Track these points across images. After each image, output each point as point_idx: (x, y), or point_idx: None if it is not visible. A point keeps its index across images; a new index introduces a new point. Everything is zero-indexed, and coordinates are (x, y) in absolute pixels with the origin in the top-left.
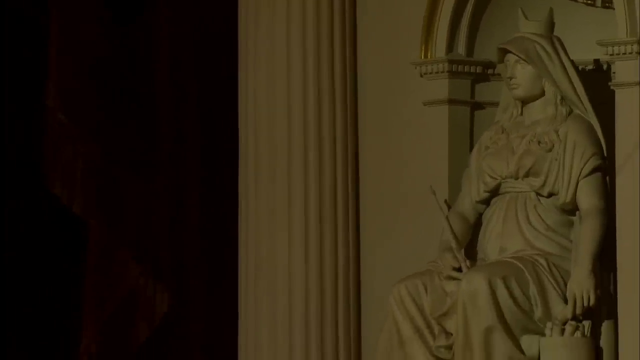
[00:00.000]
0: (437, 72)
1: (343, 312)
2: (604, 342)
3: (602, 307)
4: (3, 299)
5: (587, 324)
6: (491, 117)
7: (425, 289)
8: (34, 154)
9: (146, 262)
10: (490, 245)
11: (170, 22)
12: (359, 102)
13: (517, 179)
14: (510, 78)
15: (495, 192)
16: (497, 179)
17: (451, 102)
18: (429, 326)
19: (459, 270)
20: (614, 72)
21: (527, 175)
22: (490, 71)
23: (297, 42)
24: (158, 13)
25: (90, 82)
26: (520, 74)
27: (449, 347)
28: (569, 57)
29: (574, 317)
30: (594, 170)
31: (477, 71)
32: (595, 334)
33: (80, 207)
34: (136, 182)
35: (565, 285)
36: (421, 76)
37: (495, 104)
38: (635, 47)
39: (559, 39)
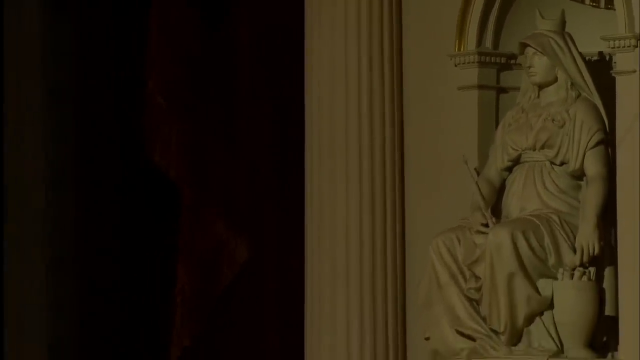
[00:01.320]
0: (468, 62)
1: (391, 263)
2: (607, 284)
3: (605, 256)
4: (116, 249)
5: (592, 270)
6: (513, 99)
7: (459, 241)
8: (138, 131)
9: (229, 218)
10: (512, 205)
11: (249, 21)
12: (404, 87)
13: (534, 150)
14: (529, 67)
15: (516, 161)
16: (518, 150)
17: (480, 87)
18: (461, 272)
19: (487, 226)
20: (615, 62)
21: (542, 147)
22: (512, 61)
23: (353, 35)
24: (239, 14)
25: (183, 71)
26: (538, 64)
27: (478, 289)
28: (577, 50)
29: (582, 264)
30: (598, 143)
31: (502, 61)
32: (599, 278)
33: (175, 173)
34: (219, 151)
35: (574, 237)
36: (455, 66)
37: (517, 89)
38: (632, 41)
39: (569, 35)
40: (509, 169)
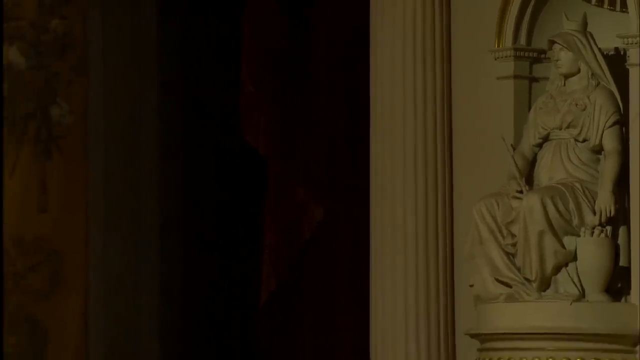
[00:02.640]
0: (506, 57)
1: (441, 225)
2: (621, 240)
3: (619, 217)
4: (216, 211)
5: (608, 228)
6: (543, 87)
7: (498, 205)
8: (234, 115)
9: (308, 185)
10: (542, 175)
11: (325, 19)
12: (452, 78)
13: (561, 129)
14: (557, 60)
15: (545, 139)
16: (547, 129)
17: (515, 77)
18: (500, 230)
19: (521, 192)
20: (628, 56)
21: (568, 127)
22: (543, 55)
23: (410, 33)
24: (317, 14)
25: (270, 63)
26: (564, 58)
27: (514, 245)
28: (597, 46)
29: (600, 224)
30: (614, 123)
31: (534, 55)
32: (614, 235)
33: (264, 149)
34: (301, 129)
35: (594, 202)
36: (495, 59)
37: (546, 79)
38: None
39: (590, 34)
40: (540, 145)
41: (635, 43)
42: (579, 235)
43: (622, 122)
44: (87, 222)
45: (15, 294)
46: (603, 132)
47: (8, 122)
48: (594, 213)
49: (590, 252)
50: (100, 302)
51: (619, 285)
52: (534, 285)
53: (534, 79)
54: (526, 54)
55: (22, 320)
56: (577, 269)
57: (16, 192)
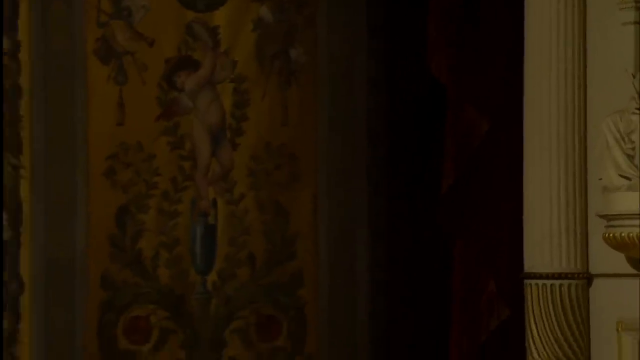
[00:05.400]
0: (628, 7)
1: (578, 133)
2: None
3: None
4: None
5: None
6: None
7: (621, 119)
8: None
9: (477, 103)
10: None
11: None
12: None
13: None
14: None
15: None
16: None
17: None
18: (623, 138)
19: (639, 109)
20: None
21: None
22: None
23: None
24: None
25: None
26: None
27: (633, 149)
28: None
29: None
30: None
31: None
32: None
33: (443, 78)
34: (472, 64)
35: None
36: (620, 10)
37: None
38: None
39: None
40: None
41: None
42: None
43: None
44: (316, 133)
45: (266, 186)
46: None
47: (259, 61)
48: None
49: None
50: (324, 191)
51: None
52: None
53: None
54: None
55: (272, 203)
56: None
57: (265, 112)
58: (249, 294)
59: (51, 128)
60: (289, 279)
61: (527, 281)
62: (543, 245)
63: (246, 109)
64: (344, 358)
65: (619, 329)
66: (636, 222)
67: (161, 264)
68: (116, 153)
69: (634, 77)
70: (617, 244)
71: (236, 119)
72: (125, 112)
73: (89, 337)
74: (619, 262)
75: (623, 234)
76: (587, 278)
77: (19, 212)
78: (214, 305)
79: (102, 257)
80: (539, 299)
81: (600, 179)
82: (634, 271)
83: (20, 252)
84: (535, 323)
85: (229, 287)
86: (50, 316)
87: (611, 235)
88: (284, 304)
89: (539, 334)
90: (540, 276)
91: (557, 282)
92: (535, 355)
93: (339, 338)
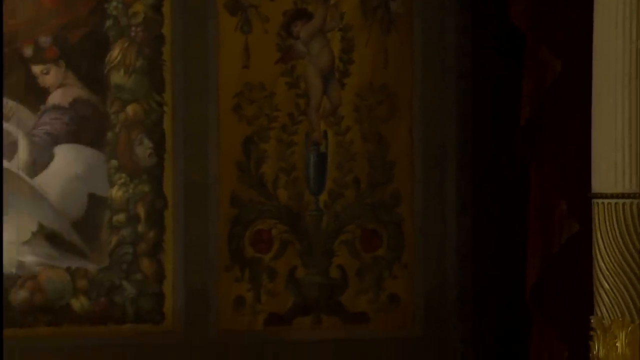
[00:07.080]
0: None
1: None
2: None
3: None
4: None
5: None
6: None
7: None
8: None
9: (550, 43)
10: None
11: None
12: None
13: None
14: None
15: None
16: None
17: None
18: None
19: None
20: None
21: None
22: None
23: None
24: None
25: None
26: None
27: None
28: None
29: None
30: None
31: None
32: None
33: (520, 22)
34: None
35: None
36: None
37: None
38: None
39: None
40: None
41: None
42: None
43: None
44: (412, 74)
45: (369, 120)
46: None
47: (363, 12)
48: None
49: None
50: (419, 124)
51: None
52: None
53: None
54: None
55: (374, 135)
56: None
57: (368, 56)
58: (355, 211)
59: (188, 71)
60: (389, 198)
61: (594, 200)
62: (609, 169)
63: (352, 53)
64: (434, 267)
65: None
66: None
67: (280, 186)
68: (242, 91)
69: None
70: None
71: (343, 62)
72: (249, 57)
73: (220, 246)
74: None
75: None
76: None
77: (162, 141)
78: (325, 221)
79: (231, 179)
80: (604, 216)
81: None
82: None
83: (164, 175)
84: (602, 237)
85: (338, 206)
86: (189, 229)
87: None
88: (384, 219)
89: (604, 246)
90: (606, 196)
91: (620, 201)
92: (602, 263)
93: (430, 249)
